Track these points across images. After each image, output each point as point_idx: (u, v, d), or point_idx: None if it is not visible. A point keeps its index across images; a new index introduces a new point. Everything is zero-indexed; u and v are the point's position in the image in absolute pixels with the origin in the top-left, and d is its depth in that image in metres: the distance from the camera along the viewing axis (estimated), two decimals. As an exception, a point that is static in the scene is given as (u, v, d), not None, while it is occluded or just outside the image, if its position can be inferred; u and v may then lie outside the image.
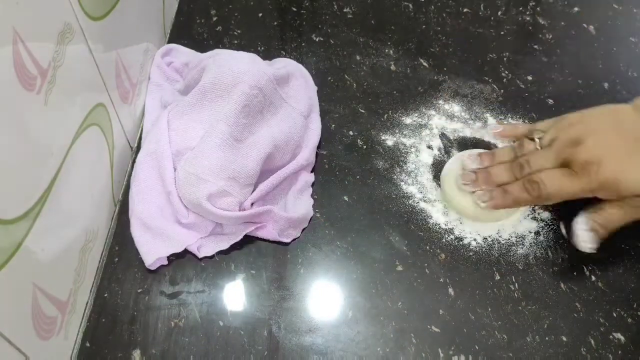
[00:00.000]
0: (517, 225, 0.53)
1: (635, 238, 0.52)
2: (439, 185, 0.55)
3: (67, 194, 0.43)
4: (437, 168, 0.57)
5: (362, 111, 0.61)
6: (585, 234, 0.47)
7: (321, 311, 0.48)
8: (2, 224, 0.34)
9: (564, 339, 0.47)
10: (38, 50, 0.38)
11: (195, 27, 0.69)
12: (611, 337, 0.47)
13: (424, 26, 0.70)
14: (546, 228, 0.53)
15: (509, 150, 0.53)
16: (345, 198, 0.55)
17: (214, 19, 0.70)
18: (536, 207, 0.54)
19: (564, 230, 0.51)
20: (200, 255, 0.50)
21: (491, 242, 0.52)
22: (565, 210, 0.54)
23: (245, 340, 0.46)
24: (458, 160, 0.55)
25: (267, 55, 0.62)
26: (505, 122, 0.58)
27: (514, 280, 0.50)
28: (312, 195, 0.54)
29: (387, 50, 0.67)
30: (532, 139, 0.51)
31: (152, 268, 0.49)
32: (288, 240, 0.51)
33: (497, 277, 0.50)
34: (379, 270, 0.50)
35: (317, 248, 0.51)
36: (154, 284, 0.49)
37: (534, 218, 0.53)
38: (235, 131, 0.50)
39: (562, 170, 0.47)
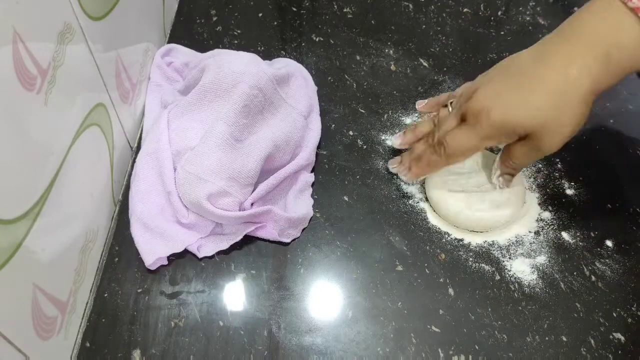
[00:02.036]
0: (517, 226, 0.53)
1: (635, 238, 0.52)
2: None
3: (67, 194, 0.43)
4: (437, 168, 0.57)
5: (362, 111, 0.61)
6: (498, 180, 0.51)
7: (321, 311, 0.48)
8: (2, 224, 0.34)
9: (564, 339, 0.47)
10: (38, 50, 0.38)
11: (195, 27, 0.69)
12: (611, 337, 0.47)
13: (424, 26, 0.70)
14: (546, 228, 0.53)
15: (428, 121, 0.54)
16: (345, 198, 0.55)
17: (214, 19, 0.70)
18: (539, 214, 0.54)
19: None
20: (200, 255, 0.50)
21: (491, 242, 0.52)
22: (565, 212, 0.54)
23: (245, 340, 0.46)
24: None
25: (267, 55, 0.62)
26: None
27: (514, 280, 0.50)
28: (312, 195, 0.54)
29: (387, 50, 0.67)
30: (445, 106, 0.53)
31: (152, 268, 0.49)
32: (288, 240, 0.51)
33: (497, 277, 0.50)
34: (379, 270, 0.50)
35: (317, 248, 0.51)
36: (154, 284, 0.49)
37: (536, 219, 0.54)
38: (236, 131, 0.50)
39: (461, 126, 0.48)
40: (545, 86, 0.43)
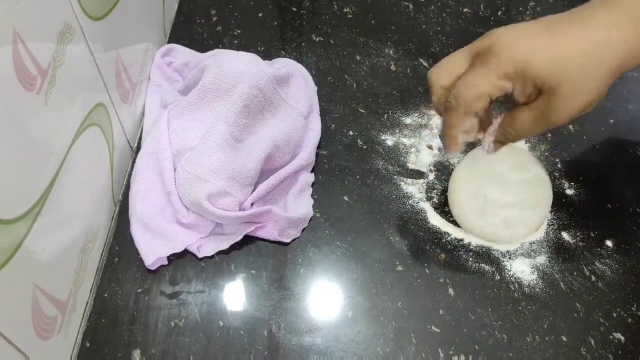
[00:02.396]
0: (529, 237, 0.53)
1: (635, 238, 0.52)
2: (440, 185, 0.55)
3: (67, 194, 0.43)
4: (437, 168, 0.57)
5: (362, 111, 0.61)
6: (488, 145, 0.46)
7: (321, 311, 0.48)
8: (2, 224, 0.34)
9: (564, 339, 0.47)
10: (38, 50, 0.38)
11: (195, 27, 0.69)
12: (611, 337, 0.47)
13: (424, 26, 0.70)
14: (546, 228, 0.53)
15: None
16: (345, 198, 0.55)
17: (214, 19, 0.70)
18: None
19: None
20: (200, 255, 0.50)
21: (491, 242, 0.52)
22: (565, 212, 0.54)
23: (245, 340, 0.46)
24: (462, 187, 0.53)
25: (267, 55, 0.62)
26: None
27: (514, 280, 0.50)
28: (312, 195, 0.54)
29: (387, 50, 0.67)
30: None
31: (152, 268, 0.49)
32: (288, 240, 0.51)
33: (497, 277, 0.50)
34: (379, 270, 0.50)
35: (317, 248, 0.51)
36: (154, 284, 0.49)
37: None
38: (235, 131, 0.50)
39: (472, 66, 0.43)
40: (581, 39, 0.39)
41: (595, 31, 0.39)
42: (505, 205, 0.51)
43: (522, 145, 0.58)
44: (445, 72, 0.44)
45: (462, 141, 0.46)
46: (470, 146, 0.57)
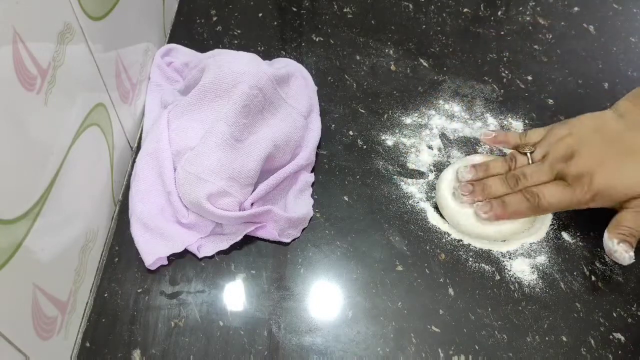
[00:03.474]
0: (530, 237, 0.53)
1: (635, 238, 0.52)
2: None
3: (67, 194, 0.43)
4: (437, 168, 0.57)
5: (362, 111, 0.61)
6: (620, 248, 0.47)
7: (321, 311, 0.48)
8: (2, 224, 0.34)
9: (564, 339, 0.47)
10: (38, 50, 0.38)
11: (195, 27, 0.69)
12: (611, 337, 0.47)
13: (424, 26, 0.70)
14: (547, 229, 0.53)
15: (502, 162, 0.53)
16: (345, 198, 0.55)
17: (214, 19, 0.70)
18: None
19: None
20: (200, 255, 0.50)
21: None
22: (565, 212, 0.54)
23: (245, 340, 0.46)
24: (448, 180, 0.54)
25: (267, 55, 0.62)
26: (496, 131, 0.57)
27: (514, 280, 0.50)
28: (312, 195, 0.54)
29: (387, 50, 0.67)
30: (524, 153, 0.52)
31: (152, 268, 0.49)
32: (288, 240, 0.51)
33: (497, 277, 0.50)
34: (379, 270, 0.50)
35: (317, 248, 0.51)
36: (154, 284, 0.49)
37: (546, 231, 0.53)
38: (235, 131, 0.50)
39: (558, 182, 0.50)
40: None
41: None
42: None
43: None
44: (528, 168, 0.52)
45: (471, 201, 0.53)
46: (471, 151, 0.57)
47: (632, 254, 0.47)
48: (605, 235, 0.48)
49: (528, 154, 0.52)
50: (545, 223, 0.53)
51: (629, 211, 0.48)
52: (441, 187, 0.53)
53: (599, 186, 0.48)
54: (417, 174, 0.56)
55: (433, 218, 0.53)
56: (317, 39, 0.68)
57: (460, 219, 0.52)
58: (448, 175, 0.54)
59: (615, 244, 0.47)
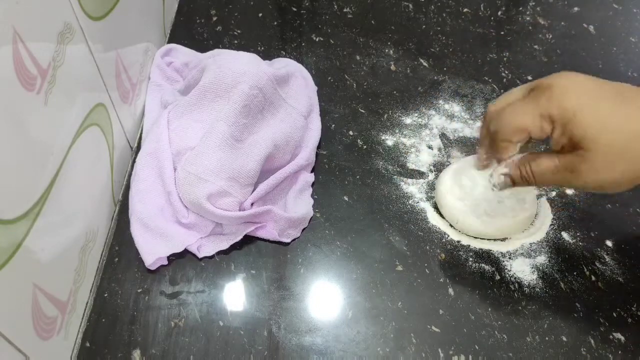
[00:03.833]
0: (529, 236, 0.53)
1: (635, 238, 0.52)
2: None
3: (67, 194, 0.43)
4: (437, 168, 0.57)
5: (362, 111, 0.61)
6: (498, 177, 0.44)
7: (321, 311, 0.48)
8: (2, 224, 0.34)
9: (564, 339, 0.47)
10: (38, 50, 0.38)
11: (195, 27, 0.69)
12: (611, 337, 0.47)
13: (424, 26, 0.70)
14: (547, 229, 0.53)
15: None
16: (345, 198, 0.55)
17: (214, 19, 0.70)
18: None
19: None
20: (200, 255, 0.50)
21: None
22: (565, 212, 0.54)
23: (245, 340, 0.46)
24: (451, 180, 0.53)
25: (267, 55, 0.62)
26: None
27: (514, 280, 0.50)
28: (312, 195, 0.54)
29: (387, 50, 0.67)
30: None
31: (152, 268, 0.49)
32: (288, 240, 0.51)
33: (497, 277, 0.50)
34: (379, 270, 0.50)
35: (317, 248, 0.51)
36: (154, 284, 0.49)
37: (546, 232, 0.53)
38: (235, 131, 0.50)
39: (524, 100, 0.42)
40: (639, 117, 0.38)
41: None
42: (482, 195, 0.51)
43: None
44: (501, 100, 0.44)
45: (490, 165, 0.46)
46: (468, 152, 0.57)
47: (498, 188, 0.44)
48: (515, 158, 0.43)
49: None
50: (545, 223, 0.53)
51: (561, 157, 0.40)
52: (440, 188, 0.53)
53: (566, 105, 0.40)
54: (417, 174, 0.56)
55: (433, 218, 0.53)
56: (317, 39, 0.68)
57: (459, 217, 0.52)
58: (448, 175, 0.54)
59: (497, 171, 0.44)
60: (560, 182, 0.41)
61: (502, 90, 0.63)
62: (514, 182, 0.44)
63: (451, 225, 0.53)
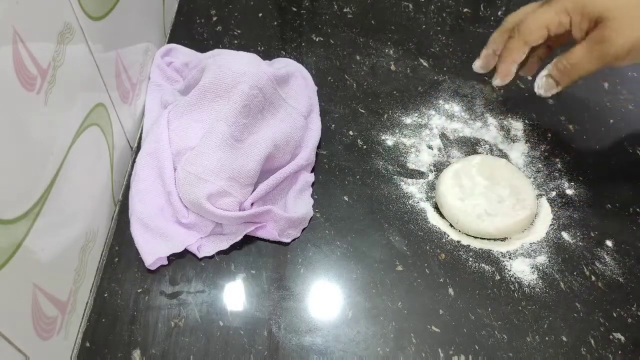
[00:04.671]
0: (529, 235, 0.53)
1: (635, 238, 0.52)
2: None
3: (67, 194, 0.43)
4: (437, 168, 0.57)
5: (362, 111, 0.61)
6: (541, 80, 0.47)
7: (321, 311, 0.48)
8: (2, 224, 0.34)
9: (564, 339, 0.47)
10: (38, 50, 0.38)
11: (195, 27, 0.69)
12: (611, 337, 0.47)
13: (424, 26, 0.70)
14: (547, 229, 0.53)
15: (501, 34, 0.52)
16: (345, 198, 0.55)
17: (214, 19, 0.70)
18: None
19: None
20: (200, 255, 0.50)
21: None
22: (565, 212, 0.54)
23: (245, 340, 0.46)
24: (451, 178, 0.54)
25: (267, 55, 0.62)
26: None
27: (514, 280, 0.50)
28: (312, 195, 0.54)
29: (387, 50, 0.67)
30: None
31: (152, 268, 0.49)
32: (288, 240, 0.51)
33: (497, 277, 0.50)
34: (379, 270, 0.50)
35: (317, 248, 0.51)
36: (154, 284, 0.49)
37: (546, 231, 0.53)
38: (235, 131, 0.50)
39: (540, 7, 0.48)
40: None
41: None
42: (482, 195, 0.52)
43: (516, 153, 0.58)
44: (518, 12, 0.50)
45: (513, 71, 0.50)
46: (471, 151, 0.57)
47: (544, 93, 0.47)
48: (549, 63, 0.47)
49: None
50: (545, 223, 0.53)
51: (587, 41, 0.45)
52: (441, 188, 0.53)
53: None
54: (417, 174, 0.56)
55: (433, 218, 0.53)
56: (317, 39, 0.68)
57: (460, 217, 0.52)
58: (448, 175, 0.54)
59: (540, 76, 0.48)
60: (595, 60, 0.44)
61: (501, 91, 0.63)
62: (556, 81, 0.47)
63: (451, 225, 0.53)
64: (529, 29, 0.47)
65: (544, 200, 0.55)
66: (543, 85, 0.48)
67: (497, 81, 0.51)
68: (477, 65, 0.54)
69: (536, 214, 0.53)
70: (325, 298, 0.49)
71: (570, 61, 0.45)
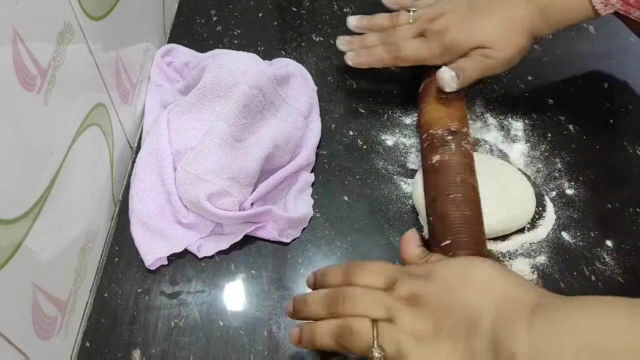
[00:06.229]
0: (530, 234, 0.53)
1: (635, 238, 0.52)
2: None
3: (67, 194, 0.43)
4: (437, 168, 0.57)
5: (362, 111, 0.61)
6: (446, 71, 0.54)
7: (321, 311, 0.48)
8: (2, 224, 0.34)
9: (564, 339, 0.46)
10: (38, 50, 0.38)
11: (195, 27, 0.69)
12: (611, 337, 0.47)
13: (424, 26, 0.70)
14: (549, 229, 0.53)
15: (387, 18, 0.61)
16: (345, 198, 0.55)
17: (214, 19, 0.70)
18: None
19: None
20: (200, 255, 0.50)
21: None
22: (565, 212, 0.54)
23: (245, 340, 0.46)
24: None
25: (267, 55, 0.62)
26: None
27: (514, 280, 0.49)
28: (312, 195, 0.54)
29: (387, 50, 0.67)
30: (408, 11, 0.60)
31: (152, 268, 0.49)
32: (288, 240, 0.51)
33: (497, 277, 0.50)
34: (379, 270, 0.50)
35: (317, 248, 0.51)
36: (154, 284, 0.49)
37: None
38: (235, 131, 0.50)
39: (421, 38, 0.57)
40: (496, 16, 0.54)
41: (508, 10, 0.54)
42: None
43: (516, 153, 0.58)
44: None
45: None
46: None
47: (454, 76, 0.53)
48: (443, 68, 0.54)
49: (411, 13, 0.59)
50: (546, 226, 0.53)
51: (467, 57, 0.54)
52: (419, 190, 0.53)
53: (449, 40, 0.55)
54: (417, 174, 0.56)
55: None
56: (317, 39, 0.68)
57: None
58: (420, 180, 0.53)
59: (444, 67, 0.54)
60: (479, 69, 0.55)
61: (502, 91, 0.63)
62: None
63: None
64: (406, 59, 0.57)
65: (548, 201, 0.54)
66: (453, 79, 0.54)
67: (352, 62, 0.60)
68: (352, 24, 0.63)
69: (537, 212, 0.53)
70: (325, 298, 0.49)
71: (464, 70, 0.54)
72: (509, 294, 0.36)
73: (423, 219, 0.53)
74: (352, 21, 0.62)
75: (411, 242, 0.44)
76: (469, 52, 0.54)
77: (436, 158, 0.50)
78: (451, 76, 0.53)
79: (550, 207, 0.54)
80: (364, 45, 0.60)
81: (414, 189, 0.53)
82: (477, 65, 0.54)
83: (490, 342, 0.34)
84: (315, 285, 0.44)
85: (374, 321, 0.38)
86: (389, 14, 0.61)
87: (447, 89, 0.54)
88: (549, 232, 0.52)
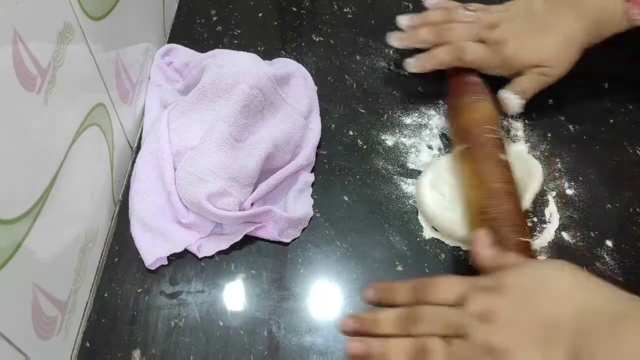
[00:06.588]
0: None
1: (635, 237, 0.52)
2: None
3: (67, 194, 0.43)
4: (437, 168, 0.57)
5: (362, 111, 0.61)
6: (512, 97, 0.55)
7: (321, 311, 0.48)
8: (2, 224, 0.34)
9: (564, 339, 0.46)
10: (38, 50, 0.38)
11: (195, 27, 0.69)
12: (611, 337, 0.47)
13: (424, 26, 0.70)
14: (555, 229, 0.53)
15: (440, 13, 0.60)
16: (345, 198, 0.55)
17: (214, 19, 0.70)
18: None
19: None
20: (200, 255, 0.50)
21: (491, 242, 0.52)
22: (565, 212, 0.54)
23: (245, 340, 0.46)
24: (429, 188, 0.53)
25: (267, 55, 0.62)
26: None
27: (514, 280, 0.50)
28: (312, 195, 0.54)
29: (387, 50, 0.67)
30: (467, 10, 0.59)
31: (152, 268, 0.49)
32: (288, 240, 0.51)
33: (497, 277, 0.50)
34: (379, 270, 0.50)
35: (317, 248, 0.51)
36: (154, 284, 0.49)
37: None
38: (235, 131, 0.50)
39: (481, 44, 0.57)
40: (555, 33, 0.55)
41: (566, 24, 0.55)
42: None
43: (521, 147, 0.58)
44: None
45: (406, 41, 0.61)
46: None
47: (521, 102, 0.55)
48: (501, 90, 0.56)
49: (468, 12, 0.59)
50: (548, 230, 0.53)
51: (525, 75, 0.56)
52: (425, 200, 0.52)
53: (508, 53, 0.55)
54: (417, 174, 0.56)
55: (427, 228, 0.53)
56: (317, 39, 0.68)
57: (455, 229, 0.51)
58: (425, 187, 0.53)
59: (508, 92, 0.55)
60: (536, 84, 0.56)
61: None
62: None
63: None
64: (470, 61, 0.57)
65: (551, 201, 0.54)
66: (518, 99, 0.56)
67: (414, 67, 0.60)
68: (405, 25, 0.61)
69: (545, 214, 0.53)
70: (325, 298, 0.49)
71: (524, 88, 0.56)
72: (590, 304, 0.34)
73: (423, 219, 0.53)
74: (403, 21, 0.61)
75: (483, 243, 0.43)
76: (526, 69, 0.55)
77: (504, 157, 0.51)
78: (519, 104, 0.55)
79: (554, 210, 0.54)
80: (418, 41, 0.60)
81: (418, 188, 0.53)
82: (536, 84, 0.55)
83: (570, 354, 0.33)
84: (379, 302, 0.42)
85: (448, 340, 0.36)
86: (441, 9, 0.61)
87: (510, 113, 0.56)
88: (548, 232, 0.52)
